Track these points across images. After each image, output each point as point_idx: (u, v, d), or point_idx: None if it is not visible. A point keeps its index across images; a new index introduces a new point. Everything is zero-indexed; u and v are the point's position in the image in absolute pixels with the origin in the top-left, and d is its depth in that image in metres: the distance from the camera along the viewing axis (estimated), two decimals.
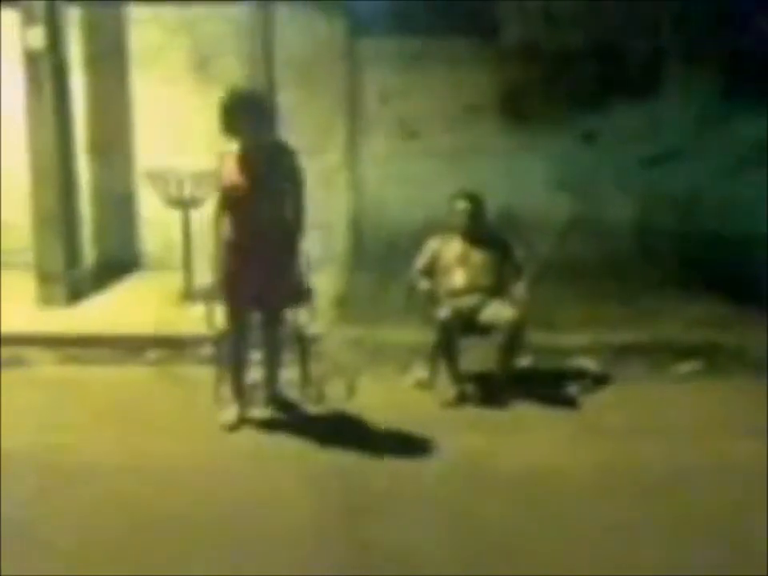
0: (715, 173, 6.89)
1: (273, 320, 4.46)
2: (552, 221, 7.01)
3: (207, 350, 5.07)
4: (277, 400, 4.57)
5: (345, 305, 5.96)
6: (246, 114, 4.14)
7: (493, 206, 5.29)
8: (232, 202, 4.20)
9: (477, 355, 4.91)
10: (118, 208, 7.09)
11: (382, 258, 6.30)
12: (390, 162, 7.07)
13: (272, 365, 4.56)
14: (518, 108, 7.09)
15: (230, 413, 4.39)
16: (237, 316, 4.32)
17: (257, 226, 4.19)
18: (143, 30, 6.87)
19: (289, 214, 4.30)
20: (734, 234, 6.80)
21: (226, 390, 4.47)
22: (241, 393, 4.45)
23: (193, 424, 4.38)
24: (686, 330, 5.59)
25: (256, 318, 4.45)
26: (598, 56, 6.94)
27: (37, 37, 5.87)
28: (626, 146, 7.03)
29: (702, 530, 3.41)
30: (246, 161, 4.19)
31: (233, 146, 4.25)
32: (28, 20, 5.88)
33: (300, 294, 4.40)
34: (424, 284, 4.92)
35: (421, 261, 4.99)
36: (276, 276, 4.27)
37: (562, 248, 6.84)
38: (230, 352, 4.43)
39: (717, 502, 3.63)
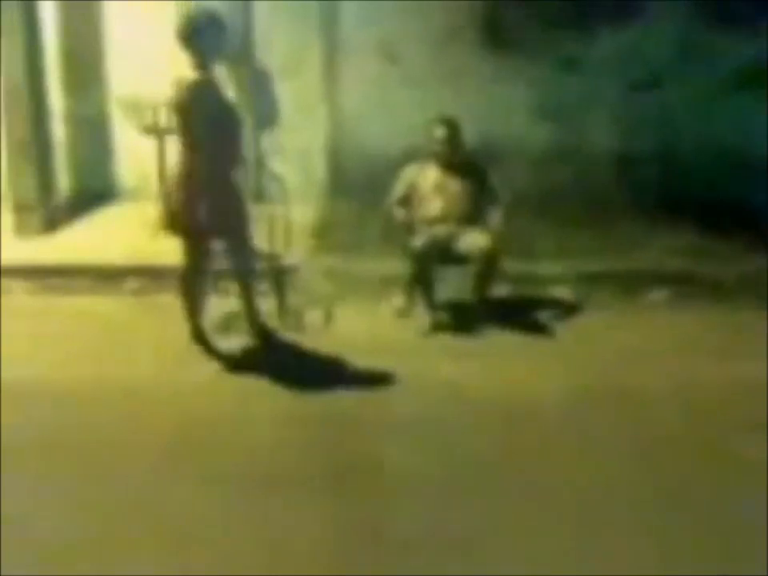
0: (698, 99, 6.84)
1: (236, 247, 4.41)
2: (531, 148, 6.96)
3: None
4: (260, 330, 4.59)
5: (322, 234, 5.96)
6: (195, 33, 4.09)
7: (472, 132, 5.25)
8: (180, 129, 4.18)
9: (453, 284, 4.96)
10: (93, 136, 6.99)
11: (360, 186, 6.26)
12: (368, 87, 6.96)
13: (247, 294, 4.54)
14: (500, 33, 6.96)
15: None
16: (196, 249, 4.32)
17: (204, 152, 4.15)
18: None
19: (233, 142, 4.27)
20: (714, 162, 6.80)
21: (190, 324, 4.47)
22: (199, 325, 4.44)
23: (172, 352, 4.41)
24: (661, 258, 5.64)
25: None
26: None
27: None
28: (607, 72, 6.95)
29: (677, 449, 3.53)
30: (192, 88, 4.12)
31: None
32: None
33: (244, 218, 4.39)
34: (400, 213, 4.92)
35: (397, 190, 4.98)
36: (226, 201, 4.24)
37: (541, 175, 6.82)
38: (185, 287, 4.41)
39: (689, 422, 3.75)
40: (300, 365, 4.36)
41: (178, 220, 4.24)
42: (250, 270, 4.53)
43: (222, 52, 4.21)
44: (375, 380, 4.11)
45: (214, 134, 4.13)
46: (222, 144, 4.20)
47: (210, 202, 4.15)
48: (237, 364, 4.33)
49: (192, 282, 4.40)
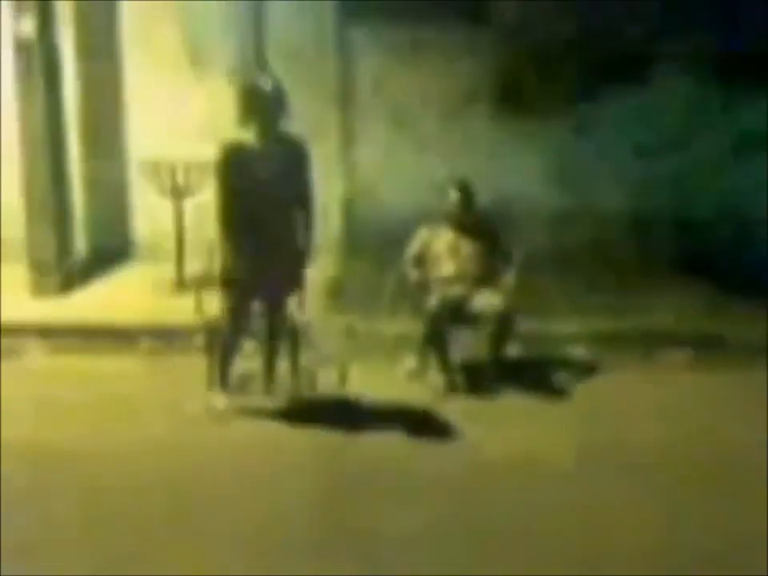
0: (709, 161, 6.91)
1: (276, 309, 4.52)
2: (544, 210, 7.02)
3: (200, 340, 5.08)
4: (278, 388, 4.63)
5: (336, 293, 5.98)
6: (268, 102, 4.20)
7: (485, 195, 5.31)
8: (244, 193, 4.20)
9: (467, 345, 4.94)
10: (111, 197, 7.08)
11: (375, 247, 6.31)
12: (383, 151, 7.08)
13: (273, 354, 4.63)
14: (511, 97, 7.08)
15: (221, 400, 4.44)
16: (239, 308, 4.35)
17: (268, 217, 4.23)
18: (136, 18, 6.84)
19: (296, 205, 4.37)
20: (727, 224, 6.84)
21: (218, 378, 4.52)
22: (228, 381, 4.51)
23: (185, 413, 4.40)
24: (676, 319, 5.63)
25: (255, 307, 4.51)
26: (591, 44, 6.93)
27: (27, 25, 5.86)
28: (619, 135, 7.04)
29: (697, 512, 3.48)
30: (260, 152, 4.22)
31: (233, 135, 4.28)
32: (19, 8, 5.86)
33: (298, 281, 4.46)
34: (414, 273, 4.95)
35: (411, 250, 5.02)
36: (282, 266, 4.33)
37: (555, 237, 6.86)
38: (226, 342, 4.45)
39: (709, 485, 3.70)
40: (317, 416, 4.40)
41: (238, 280, 4.26)
42: (281, 330, 4.58)
43: (282, 121, 4.29)
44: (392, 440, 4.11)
45: (276, 196, 4.22)
46: (283, 205, 4.28)
47: (266, 265, 4.22)
48: (258, 421, 4.34)
49: (231, 341, 4.44)
